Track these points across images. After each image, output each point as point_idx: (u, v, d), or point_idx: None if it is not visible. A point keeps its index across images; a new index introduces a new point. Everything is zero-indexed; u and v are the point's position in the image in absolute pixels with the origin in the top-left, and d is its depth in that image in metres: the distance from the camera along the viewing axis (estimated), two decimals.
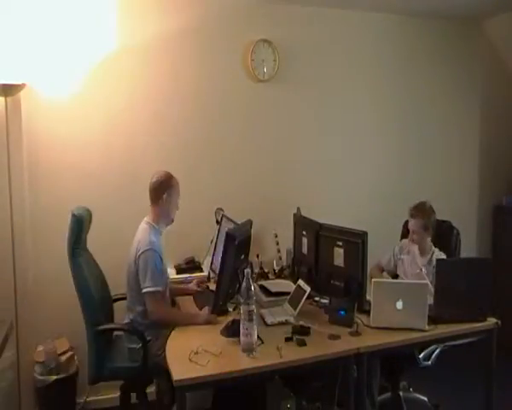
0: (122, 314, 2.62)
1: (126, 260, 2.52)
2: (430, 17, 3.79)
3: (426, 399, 3.00)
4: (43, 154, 2.94)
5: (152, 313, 2.38)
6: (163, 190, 2.49)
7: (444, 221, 3.12)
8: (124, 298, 2.63)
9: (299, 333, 2.17)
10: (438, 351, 2.70)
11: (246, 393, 2.49)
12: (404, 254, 3.01)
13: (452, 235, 3.07)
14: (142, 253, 2.37)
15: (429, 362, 2.69)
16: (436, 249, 2.91)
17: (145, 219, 2.56)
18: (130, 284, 2.49)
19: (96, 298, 2.45)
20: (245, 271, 2.03)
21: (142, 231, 2.49)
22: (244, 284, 2.00)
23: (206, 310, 2.40)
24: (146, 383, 2.69)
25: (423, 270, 2.75)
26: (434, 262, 2.68)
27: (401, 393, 2.94)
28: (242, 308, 2.00)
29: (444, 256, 2.86)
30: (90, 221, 2.62)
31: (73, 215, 2.44)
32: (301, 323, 2.26)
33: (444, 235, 3.06)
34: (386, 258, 3.10)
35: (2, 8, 2.65)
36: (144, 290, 2.36)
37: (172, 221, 2.61)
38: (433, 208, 2.94)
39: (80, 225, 2.47)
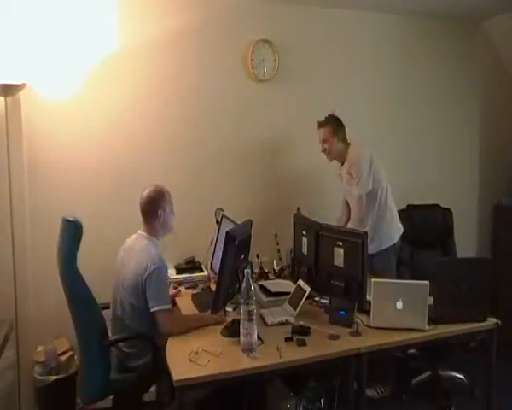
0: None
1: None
2: (429, 17, 3.79)
3: (463, 377, 3.12)
4: (43, 154, 2.94)
5: (169, 330, 2.24)
6: (157, 206, 2.43)
7: (434, 205, 3.41)
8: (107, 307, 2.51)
9: (299, 333, 2.17)
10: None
11: (244, 392, 2.50)
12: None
13: (446, 216, 3.37)
14: (154, 271, 2.26)
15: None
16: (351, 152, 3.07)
17: (141, 233, 2.46)
18: (129, 307, 2.33)
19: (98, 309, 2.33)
20: (245, 271, 2.03)
21: (144, 248, 2.37)
22: (244, 284, 2.00)
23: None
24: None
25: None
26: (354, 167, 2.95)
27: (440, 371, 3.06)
28: (242, 308, 2.00)
29: (359, 145, 3.03)
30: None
31: (73, 223, 2.21)
32: (301, 323, 2.26)
33: (437, 217, 3.27)
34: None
35: (2, 8, 2.65)
36: (158, 309, 2.25)
37: (172, 228, 2.53)
38: (340, 120, 3.08)
39: (80, 233, 2.22)
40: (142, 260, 2.31)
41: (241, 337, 2.01)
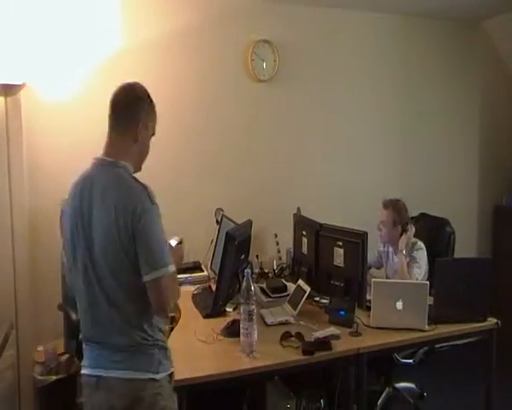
0: None
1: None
2: (430, 18, 3.79)
3: (413, 386, 3.11)
4: (43, 154, 2.94)
5: (172, 299, 1.55)
6: (139, 115, 1.64)
7: (441, 218, 3.19)
8: None
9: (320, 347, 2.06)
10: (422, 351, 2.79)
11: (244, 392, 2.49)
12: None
13: (445, 232, 3.12)
14: (147, 214, 1.47)
15: (411, 361, 2.77)
16: (416, 243, 2.88)
17: (104, 158, 1.62)
18: (114, 278, 1.49)
19: None
20: (245, 271, 2.03)
21: (120, 181, 1.53)
22: (244, 284, 2.00)
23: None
24: None
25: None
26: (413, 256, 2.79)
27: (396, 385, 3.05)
28: (242, 308, 2.00)
29: (422, 246, 2.84)
30: None
31: None
32: (318, 335, 2.12)
33: (436, 229, 3.12)
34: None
35: (3, 8, 2.65)
36: (162, 273, 1.46)
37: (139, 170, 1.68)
38: (406, 208, 2.92)
39: None
40: (126, 201, 1.48)
41: (241, 337, 2.01)
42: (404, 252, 2.78)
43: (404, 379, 3.09)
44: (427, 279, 2.71)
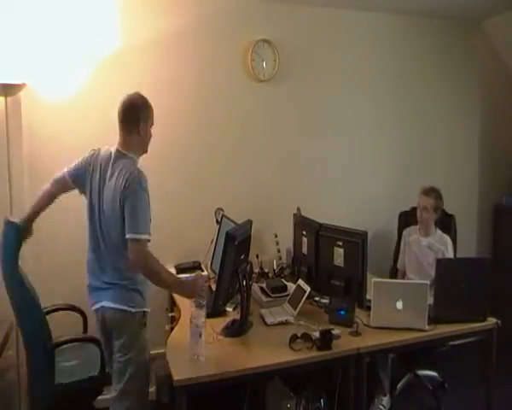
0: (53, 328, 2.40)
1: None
2: (430, 17, 3.79)
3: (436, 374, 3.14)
4: (43, 154, 2.94)
5: (139, 262, 1.97)
6: (139, 116, 2.13)
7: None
8: (54, 310, 2.54)
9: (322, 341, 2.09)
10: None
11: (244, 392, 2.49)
12: (411, 236, 3.22)
13: (450, 222, 3.33)
14: (135, 190, 1.98)
15: None
16: (439, 232, 3.12)
17: (117, 148, 2.15)
18: (112, 232, 2.05)
19: (42, 310, 2.30)
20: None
21: (125, 165, 2.08)
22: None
23: (199, 279, 2.22)
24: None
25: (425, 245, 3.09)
26: (439, 243, 3.05)
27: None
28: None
29: (448, 239, 3.08)
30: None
31: (15, 225, 2.20)
32: (321, 328, 2.17)
33: (440, 222, 3.20)
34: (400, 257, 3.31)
35: (3, 8, 2.65)
36: (134, 237, 1.94)
37: (146, 152, 2.24)
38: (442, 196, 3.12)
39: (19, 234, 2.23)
40: (124, 177, 2.02)
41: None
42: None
43: (426, 367, 3.13)
44: None
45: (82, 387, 2.38)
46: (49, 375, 2.26)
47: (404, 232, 3.29)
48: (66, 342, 2.33)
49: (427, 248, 3.09)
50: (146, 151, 2.24)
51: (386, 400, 2.85)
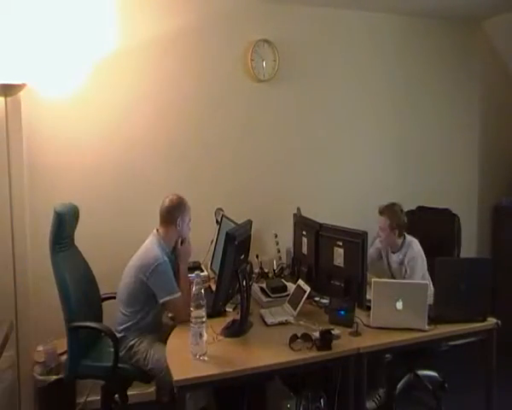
0: (111, 313, 2.60)
1: (121, 262, 2.54)
2: (430, 17, 3.79)
3: (436, 374, 3.13)
4: (43, 154, 2.94)
5: (182, 315, 2.31)
6: (176, 214, 2.52)
7: (444, 209, 3.30)
8: (113, 297, 2.66)
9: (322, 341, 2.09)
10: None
11: (244, 392, 2.49)
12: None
13: (454, 222, 3.25)
14: (154, 269, 2.37)
15: None
16: (410, 240, 2.97)
17: (155, 232, 2.54)
18: (130, 299, 2.46)
19: (74, 295, 2.43)
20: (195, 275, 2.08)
21: (147, 245, 2.50)
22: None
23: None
24: (125, 384, 2.61)
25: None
26: (408, 258, 2.89)
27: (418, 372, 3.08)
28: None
29: (415, 251, 2.90)
30: (76, 217, 2.61)
31: (55, 212, 2.44)
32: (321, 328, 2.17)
33: (444, 222, 3.21)
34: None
35: (2, 8, 2.65)
36: (169, 298, 2.36)
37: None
38: (402, 210, 2.99)
39: (61, 222, 2.46)
40: (145, 257, 2.43)
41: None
42: None
43: (426, 367, 3.12)
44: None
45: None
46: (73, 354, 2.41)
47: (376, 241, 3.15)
48: (81, 328, 2.43)
49: (399, 264, 2.98)
50: (176, 243, 2.61)
51: (381, 391, 2.90)
